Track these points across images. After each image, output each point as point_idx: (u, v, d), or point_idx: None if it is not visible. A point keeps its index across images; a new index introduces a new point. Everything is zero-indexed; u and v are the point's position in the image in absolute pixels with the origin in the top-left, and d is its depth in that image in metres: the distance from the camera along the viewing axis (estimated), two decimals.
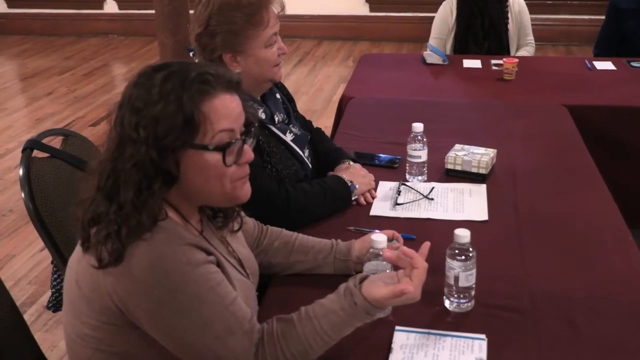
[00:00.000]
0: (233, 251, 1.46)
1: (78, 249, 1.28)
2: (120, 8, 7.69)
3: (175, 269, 1.20)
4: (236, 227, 1.49)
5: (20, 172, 1.72)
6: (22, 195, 1.70)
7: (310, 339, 1.28)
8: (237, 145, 1.28)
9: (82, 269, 1.25)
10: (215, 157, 1.25)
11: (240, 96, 1.31)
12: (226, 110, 1.26)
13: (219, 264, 1.30)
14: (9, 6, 7.88)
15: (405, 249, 1.37)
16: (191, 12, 2.08)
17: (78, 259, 1.27)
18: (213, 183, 1.28)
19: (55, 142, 1.90)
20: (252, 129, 1.34)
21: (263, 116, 1.97)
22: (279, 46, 1.96)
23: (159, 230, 1.21)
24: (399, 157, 2.31)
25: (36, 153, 1.78)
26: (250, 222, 1.66)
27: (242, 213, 1.56)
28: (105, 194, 1.22)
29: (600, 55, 3.94)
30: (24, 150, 1.75)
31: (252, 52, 1.90)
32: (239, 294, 1.29)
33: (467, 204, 2.02)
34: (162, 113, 1.20)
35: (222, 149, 1.25)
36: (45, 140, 1.82)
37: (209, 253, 1.28)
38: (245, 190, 1.35)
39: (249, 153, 1.32)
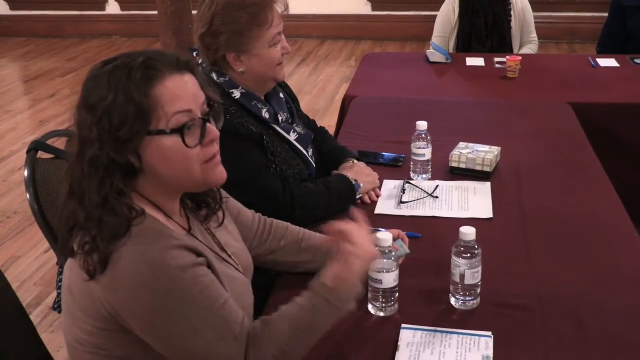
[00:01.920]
0: (222, 245, 1.43)
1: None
2: (122, 9, 7.69)
3: (164, 275, 1.17)
4: (221, 218, 1.46)
5: (25, 173, 1.72)
6: (27, 196, 1.71)
7: (287, 339, 1.25)
8: (196, 125, 1.24)
9: (74, 276, 1.24)
10: (175, 140, 1.21)
11: (195, 76, 1.28)
12: (179, 92, 1.22)
13: (209, 265, 1.28)
14: (12, 8, 7.88)
15: (336, 226, 1.37)
16: (194, 12, 2.08)
17: (70, 266, 1.26)
18: (180, 168, 1.24)
19: (60, 143, 1.90)
20: (216, 106, 1.31)
21: (267, 116, 1.97)
22: (282, 46, 1.96)
23: (143, 234, 1.19)
24: (403, 155, 2.31)
25: (41, 154, 1.78)
26: (249, 214, 1.65)
27: (234, 205, 1.56)
28: (76, 199, 1.21)
29: (604, 52, 3.93)
30: (28, 152, 1.76)
31: (256, 51, 1.90)
32: (230, 295, 1.27)
33: (472, 202, 2.02)
34: (114, 106, 1.17)
35: (180, 130, 1.22)
36: (49, 142, 1.82)
37: (198, 254, 1.25)
38: (219, 174, 1.31)
39: (213, 132, 1.27)
